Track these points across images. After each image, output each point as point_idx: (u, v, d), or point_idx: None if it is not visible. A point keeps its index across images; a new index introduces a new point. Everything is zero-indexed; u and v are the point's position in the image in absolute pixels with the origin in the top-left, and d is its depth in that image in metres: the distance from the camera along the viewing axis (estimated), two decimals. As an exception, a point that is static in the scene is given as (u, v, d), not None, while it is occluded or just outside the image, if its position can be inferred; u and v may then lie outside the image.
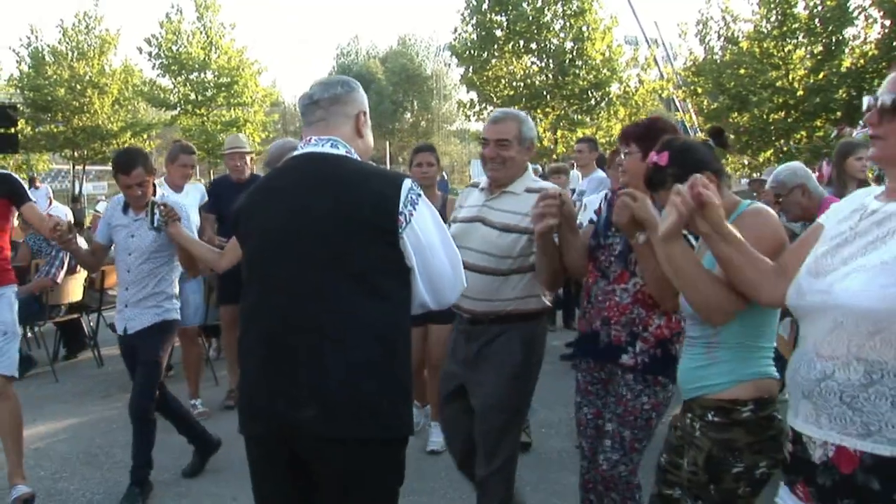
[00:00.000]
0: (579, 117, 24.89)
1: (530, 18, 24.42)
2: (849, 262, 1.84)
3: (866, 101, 1.94)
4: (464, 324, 3.64)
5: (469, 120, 28.25)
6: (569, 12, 24.40)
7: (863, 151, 5.30)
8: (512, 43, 25.03)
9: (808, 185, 4.78)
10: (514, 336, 3.54)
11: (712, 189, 2.15)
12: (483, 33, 25.20)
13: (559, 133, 24.79)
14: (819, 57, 19.43)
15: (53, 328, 8.17)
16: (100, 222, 4.95)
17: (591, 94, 24.77)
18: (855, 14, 18.84)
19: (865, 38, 19.16)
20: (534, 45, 25.24)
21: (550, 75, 25.06)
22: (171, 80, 29.03)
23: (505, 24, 24.92)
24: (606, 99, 24.79)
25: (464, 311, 3.59)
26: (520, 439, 3.88)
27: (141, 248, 4.60)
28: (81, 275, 7.84)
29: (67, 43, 27.40)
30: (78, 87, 26.64)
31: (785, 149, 20.23)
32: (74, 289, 7.83)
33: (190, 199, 6.33)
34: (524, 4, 24.59)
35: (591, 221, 3.51)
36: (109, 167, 30.99)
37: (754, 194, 7.96)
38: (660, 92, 25.44)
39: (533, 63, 25.78)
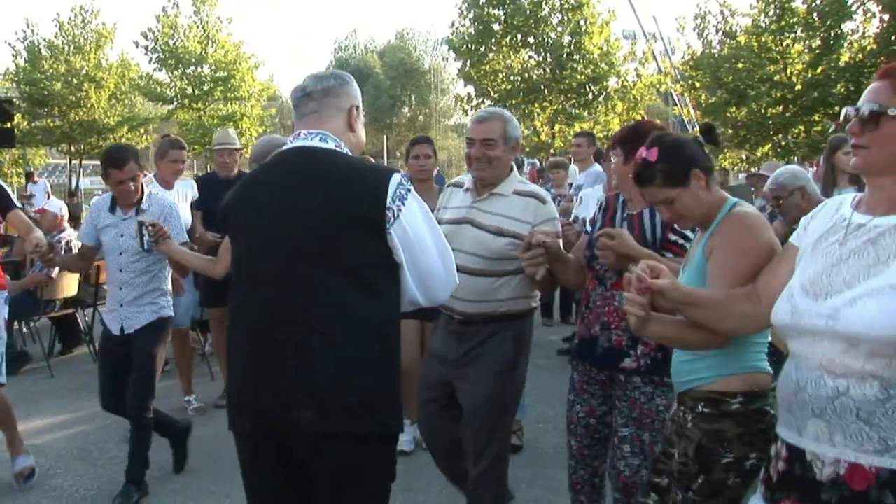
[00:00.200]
0: (577, 111, 24.90)
1: (528, 12, 24.41)
2: (852, 285, 1.83)
3: (845, 111, 1.95)
4: (454, 325, 3.62)
5: (466, 114, 28.17)
6: (566, 6, 24.39)
7: (850, 146, 5.28)
8: (509, 37, 25.04)
9: (808, 187, 4.78)
10: (507, 335, 3.57)
11: (659, 270, 2.17)
12: (481, 27, 25.19)
13: (557, 127, 24.79)
14: (817, 51, 19.43)
15: (48, 323, 8.12)
16: (84, 224, 4.83)
17: (588, 89, 24.76)
18: (853, 8, 18.86)
19: (864, 33, 19.18)
20: (531, 40, 25.23)
21: (548, 69, 25.04)
22: (168, 74, 29.04)
23: (502, 18, 24.91)
24: (604, 93, 24.80)
25: (456, 313, 3.58)
26: (510, 438, 3.88)
27: (132, 247, 4.48)
28: (76, 270, 7.80)
29: (63, 37, 27.43)
30: (74, 81, 26.66)
31: (783, 143, 20.25)
32: (69, 284, 7.78)
33: (181, 197, 6.30)
34: (522, -2, 24.55)
35: (585, 233, 3.54)
36: (105, 162, 31.07)
37: (752, 189, 7.94)
38: (658, 86, 25.44)
39: (531, 57, 25.77)
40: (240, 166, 6.53)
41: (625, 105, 24.63)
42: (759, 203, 6.15)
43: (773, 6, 20.03)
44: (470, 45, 25.42)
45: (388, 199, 2.30)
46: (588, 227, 3.49)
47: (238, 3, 38.37)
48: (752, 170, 17.57)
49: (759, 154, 20.98)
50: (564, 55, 24.58)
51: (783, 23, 19.88)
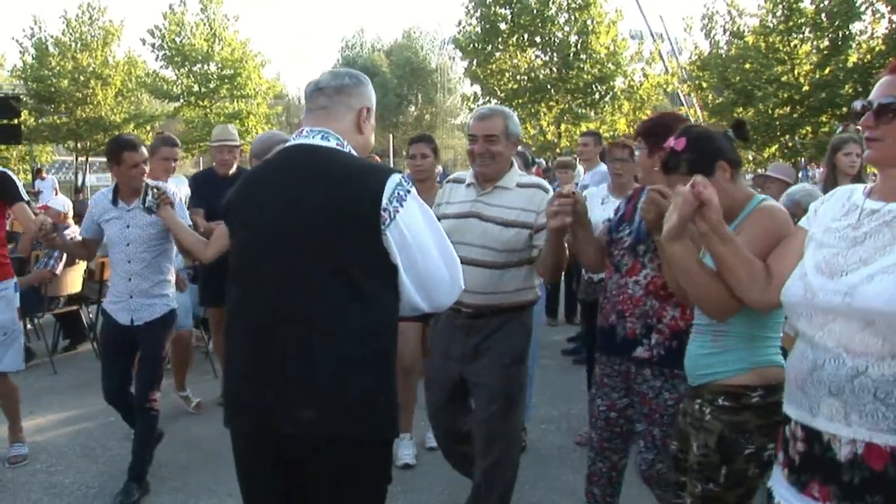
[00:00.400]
0: (583, 111, 24.82)
1: (535, 12, 24.33)
2: (869, 262, 1.86)
3: (856, 104, 2.00)
4: (462, 318, 3.69)
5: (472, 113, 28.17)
6: (573, 6, 24.31)
7: (851, 147, 5.37)
8: (516, 36, 24.95)
9: None
10: (515, 326, 3.70)
11: (712, 190, 2.20)
12: (487, 26, 25.11)
13: (563, 127, 24.73)
14: (825, 52, 19.33)
15: (52, 320, 8.12)
16: (84, 219, 4.84)
17: (595, 88, 24.67)
18: (862, 9, 18.74)
19: (872, 34, 19.06)
20: (538, 39, 25.14)
21: (555, 69, 24.96)
22: (175, 71, 29.05)
23: (509, 17, 24.82)
24: (611, 93, 24.69)
25: (465, 306, 3.62)
26: (519, 431, 3.95)
27: (141, 237, 4.54)
28: (81, 266, 7.80)
29: (71, 34, 27.48)
30: (81, 78, 26.71)
31: (790, 144, 20.18)
32: (74, 280, 7.79)
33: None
34: (529, -3, 24.50)
35: (607, 220, 3.58)
36: (112, 158, 31.12)
37: (758, 189, 7.90)
38: (664, 86, 25.38)
39: (537, 56, 25.69)
40: (239, 163, 6.37)
41: (631, 105, 24.55)
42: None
43: (780, 6, 19.94)
44: (476, 45, 25.35)
45: (385, 201, 2.26)
46: (610, 217, 3.53)
47: (245, 1, 38.39)
48: (759, 171, 17.52)
49: (765, 155, 20.90)
50: (571, 55, 24.49)
51: (791, 23, 19.78)
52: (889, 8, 17.47)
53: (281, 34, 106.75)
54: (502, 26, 25.02)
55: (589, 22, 24.15)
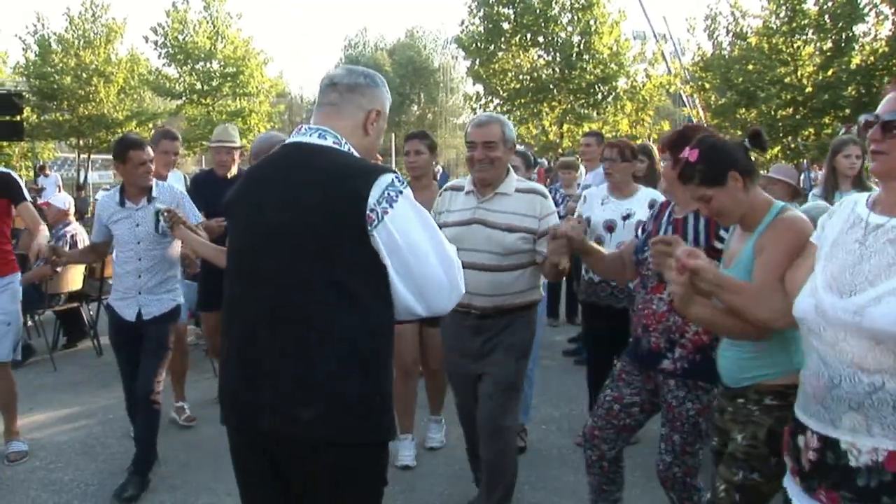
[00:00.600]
0: (586, 111, 24.80)
1: (538, 11, 24.29)
2: (875, 283, 1.95)
3: (863, 118, 2.10)
4: (471, 319, 3.85)
5: (475, 113, 28.07)
6: (576, 6, 24.27)
7: (850, 148, 5.42)
8: (519, 36, 24.92)
9: None
10: (521, 324, 3.89)
11: (694, 254, 2.43)
12: (490, 26, 25.07)
13: (565, 127, 24.70)
14: (828, 53, 19.30)
15: (53, 317, 8.12)
16: (94, 222, 4.93)
17: (598, 89, 24.63)
18: (865, 10, 18.70)
19: (876, 35, 19.01)
20: (541, 39, 25.11)
21: (557, 69, 24.91)
22: (177, 69, 29.00)
23: (512, 16, 24.79)
24: (613, 93, 24.66)
25: (474, 308, 3.80)
26: (517, 422, 4.10)
27: (150, 235, 4.64)
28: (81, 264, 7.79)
29: (73, 31, 27.45)
30: (84, 75, 26.69)
31: (793, 146, 20.15)
32: (74, 277, 7.78)
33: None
34: (532, -3, 24.48)
35: (636, 236, 3.81)
36: (114, 156, 31.12)
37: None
38: (667, 87, 25.32)
39: (540, 56, 25.66)
40: (240, 165, 6.28)
41: (634, 105, 24.53)
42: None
43: (784, 8, 19.91)
44: (479, 44, 25.32)
45: (372, 201, 2.22)
46: (638, 233, 3.68)
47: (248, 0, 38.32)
48: (762, 172, 17.49)
49: (768, 156, 20.87)
50: (574, 55, 24.45)
51: (794, 25, 19.75)
52: (893, 10, 17.43)
53: (284, 33, 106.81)
54: (505, 26, 24.99)
55: (592, 22, 24.12)
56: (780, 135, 20.37)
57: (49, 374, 7.18)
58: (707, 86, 22.41)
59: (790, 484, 2.18)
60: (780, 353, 2.56)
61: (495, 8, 24.84)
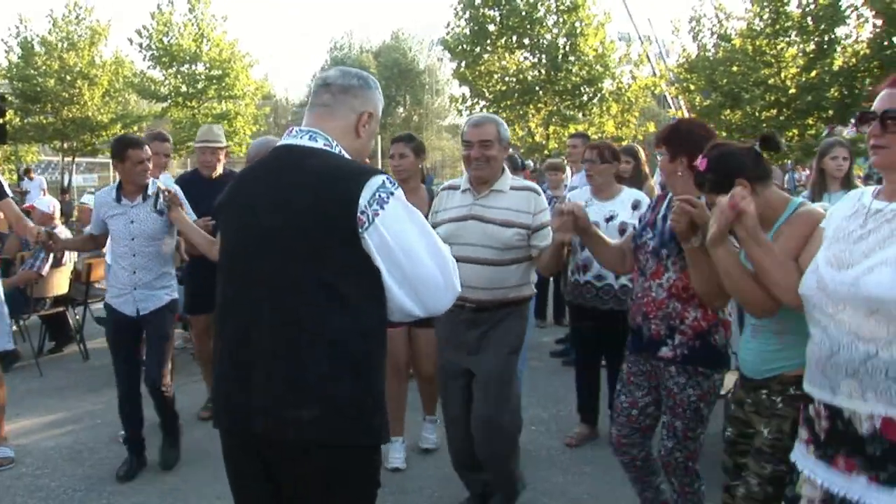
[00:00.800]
0: (571, 113, 24.79)
1: (523, 13, 24.32)
2: (870, 255, 2.10)
3: (859, 114, 2.22)
4: (467, 313, 3.93)
5: (461, 115, 28.06)
6: (562, 8, 24.30)
7: (837, 150, 5.56)
8: (505, 38, 24.93)
9: None
10: (515, 317, 4.02)
11: (749, 200, 2.52)
12: (476, 28, 25.07)
13: (551, 129, 24.71)
14: (811, 55, 19.43)
15: (38, 321, 8.06)
16: (92, 216, 5.10)
17: (583, 90, 24.65)
18: (847, 13, 18.84)
19: (857, 38, 19.16)
20: (527, 41, 25.11)
21: (543, 71, 24.94)
22: (162, 71, 28.89)
23: (498, 18, 24.79)
24: (599, 95, 24.67)
25: (469, 301, 3.87)
26: (517, 416, 4.17)
27: (145, 231, 4.78)
28: (67, 267, 7.75)
29: (57, 33, 27.30)
30: (68, 78, 26.55)
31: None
32: (60, 282, 7.73)
33: None
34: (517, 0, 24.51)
35: (632, 227, 3.97)
36: (99, 159, 31.01)
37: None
38: (652, 88, 25.40)
39: (525, 58, 25.67)
40: (225, 165, 6.23)
41: (619, 107, 24.55)
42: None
43: (767, 10, 20.02)
44: (465, 46, 25.31)
45: (362, 203, 2.22)
46: (637, 224, 3.77)
47: (233, 2, 38.28)
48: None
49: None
50: (559, 57, 24.48)
51: (777, 27, 19.87)
52: (873, 12, 17.56)
53: (269, 35, 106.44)
54: (491, 28, 24.99)
55: (577, 24, 24.15)
56: (765, 136, 20.48)
57: (35, 380, 7.13)
58: (692, 87, 22.49)
59: (801, 456, 2.28)
60: (801, 346, 2.57)
61: (481, 10, 24.83)
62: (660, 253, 3.39)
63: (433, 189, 5.18)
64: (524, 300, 4.07)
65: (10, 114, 21.16)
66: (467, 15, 25.10)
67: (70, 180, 29.21)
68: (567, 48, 24.44)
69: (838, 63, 19.00)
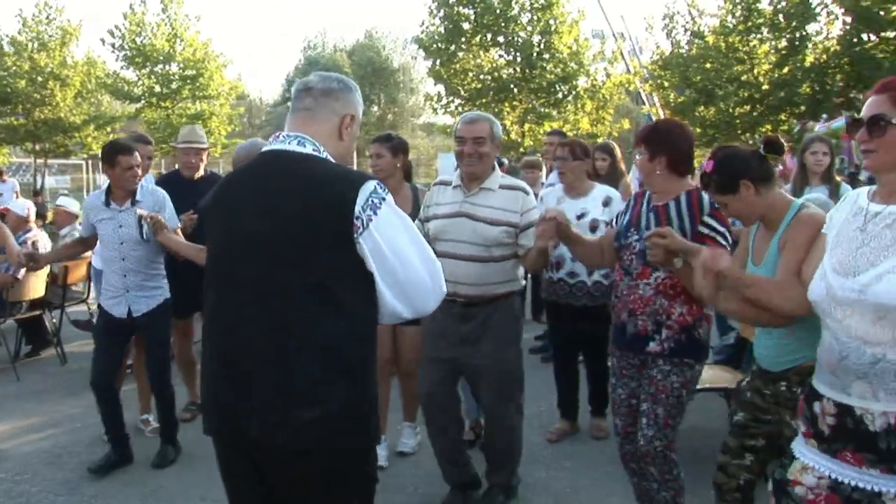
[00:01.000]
0: (547, 111, 24.94)
1: (498, 12, 24.42)
2: (876, 264, 2.19)
3: (846, 118, 2.31)
4: (458, 307, 4.05)
5: (436, 113, 28.15)
6: (536, 6, 24.43)
7: (817, 146, 5.66)
8: (479, 36, 25.03)
9: None
10: (508, 311, 4.15)
11: (721, 258, 2.72)
12: (450, 26, 25.14)
13: (527, 126, 24.82)
14: (783, 52, 19.67)
15: (14, 325, 7.97)
16: (83, 220, 5.19)
17: (558, 88, 24.82)
18: (817, 10, 19.06)
19: (828, 35, 19.41)
20: (501, 39, 25.25)
21: (518, 68, 25.06)
22: (136, 72, 28.72)
23: (472, 17, 24.88)
24: (574, 92, 24.85)
25: (460, 297, 4.00)
26: (523, 409, 4.32)
27: (134, 236, 4.83)
28: (44, 271, 7.66)
29: (27, 33, 27.05)
30: (39, 78, 26.29)
31: (750, 142, 20.46)
32: (36, 285, 7.65)
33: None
34: (491, -3, 24.56)
35: (610, 225, 4.04)
36: (72, 161, 30.71)
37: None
38: (627, 85, 25.57)
39: (500, 56, 25.79)
40: (207, 166, 6.20)
41: (594, 104, 24.72)
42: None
43: (739, 7, 20.24)
44: (440, 44, 25.37)
45: (357, 209, 2.24)
46: (614, 223, 3.85)
47: (206, 1, 38.04)
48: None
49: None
50: (534, 54, 24.61)
51: (750, 24, 20.10)
52: (843, 10, 17.78)
53: (242, 35, 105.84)
54: (465, 26, 25.07)
55: (552, 22, 24.30)
56: (738, 131, 20.71)
57: (12, 384, 7.07)
58: (666, 84, 22.70)
59: (801, 447, 2.39)
60: (813, 337, 2.68)
61: (455, 8, 24.90)
62: (646, 255, 3.40)
63: (417, 187, 5.20)
64: (511, 294, 4.18)
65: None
66: (442, 13, 25.17)
67: (42, 182, 28.89)
68: (541, 46, 24.59)
69: (810, 59, 19.25)
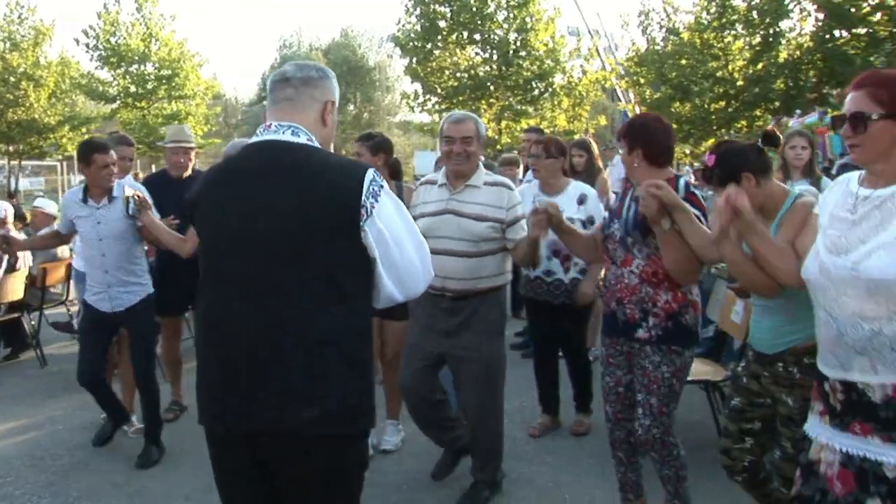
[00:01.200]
0: (523, 108, 25.04)
1: (474, 10, 24.47)
2: (866, 241, 2.32)
3: (819, 113, 2.44)
4: (446, 301, 4.16)
5: (413, 111, 28.19)
6: (512, 3, 24.51)
7: (796, 140, 5.81)
8: (456, 34, 25.07)
9: None
10: (494, 304, 4.26)
11: (743, 197, 2.77)
12: (427, 24, 25.16)
13: (503, 124, 24.89)
14: (757, 48, 19.83)
15: (-8, 328, 7.93)
16: (62, 216, 5.25)
17: (534, 85, 24.92)
18: (790, 7, 19.24)
19: (801, 31, 19.61)
20: (477, 36, 25.30)
21: (494, 66, 25.13)
22: (111, 72, 28.50)
23: (449, 15, 24.92)
24: (550, 89, 24.95)
25: (448, 291, 4.12)
26: (503, 400, 4.41)
27: (113, 232, 4.88)
28: (22, 273, 7.64)
29: (-1, 33, 26.67)
30: (11, 79, 25.96)
31: (726, 137, 20.61)
32: (14, 287, 7.61)
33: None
34: (468, -5, 24.59)
35: (587, 222, 4.27)
36: (46, 162, 30.43)
37: (704, 184, 8.08)
38: (603, 82, 25.69)
39: (477, 54, 25.84)
40: (195, 165, 6.18)
41: (570, 101, 24.84)
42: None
43: (714, 3, 20.39)
44: (416, 43, 25.39)
45: (363, 197, 2.28)
46: (605, 215, 3.98)
47: (181, 1, 37.83)
48: (696, 164, 17.89)
49: (702, 148, 21.34)
50: (510, 52, 24.70)
51: (724, 20, 20.25)
52: (815, 6, 17.96)
53: (218, 34, 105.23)
54: (442, 24, 25.10)
55: (528, 19, 24.39)
56: (714, 127, 20.88)
57: (-9, 387, 7.02)
58: (642, 80, 22.81)
59: (817, 426, 2.49)
60: (809, 318, 2.82)
61: (432, 6, 24.92)
62: (626, 242, 3.63)
63: (402, 185, 5.27)
64: (499, 288, 4.28)
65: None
66: (418, 11, 25.20)
67: (17, 184, 28.61)
68: (518, 43, 24.69)
69: (783, 55, 19.42)
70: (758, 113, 20.10)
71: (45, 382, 7.13)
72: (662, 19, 21.97)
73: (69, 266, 7.54)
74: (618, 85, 26.31)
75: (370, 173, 2.33)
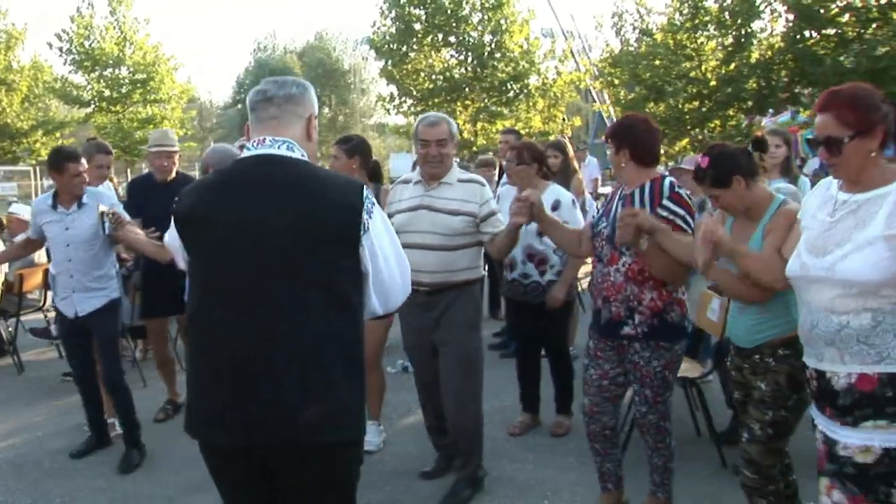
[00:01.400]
0: (499, 109, 25.13)
1: (449, 12, 24.52)
2: (842, 244, 2.53)
3: (791, 112, 2.55)
4: (421, 296, 4.20)
5: (388, 114, 28.16)
6: (487, 5, 24.60)
7: (770, 139, 5.71)
8: (431, 36, 25.12)
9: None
10: (469, 298, 4.35)
11: (717, 230, 3.14)
12: (402, 27, 25.19)
13: (479, 125, 24.97)
14: (730, 49, 19.99)
15: (-31, 335, 7.87)
16: (31, 222, 5.28)
17: (510, 87, 25.02)
18: (761, 8, 19.43)
19: (772, 32, 19.79)
20: (453, 39, 25.37)
21: (469, 68, 25.22)
22: (85, 76, 28.26)
23: (424, 17, 24.95)
24: (525, 91, 25.05)
25: (423, 285, 4.15)
26: (481, 394, 4.47)
27: (80, 237, 4.92)
28: (-3, 279, 7.60)
29: (-30, 38, 26.35)
30: (-17, 84, 25.67)
31: (700, 137, 20.81)
32: (-9, 294, 7.58)
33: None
34: (443, -3, 24.64)
35: (592, 217, 4.37)
36: (19, 167, 30.10)
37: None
38: (577, 83, 25.83)
39: (452, 56, 25.92)
40: (178, 169, 6.18)
41: (546, 102, 24.95)
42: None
43: (686, 5, 20.53)
44: (391, 45, 25.40)
45: (364, 213, 2.33)
46: (594, 214, 4.04)
47: (155, 4, 37.50)
48: (671, 164, 18.03)
49: (677, 148, 21.52)
50: (486, 54, 24.79)
51: (697, 21, 20.39)
52: (786, 8, 18.15)
53: (192, 37, 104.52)
54: (417, 26, 25.14)
55: (502, 21, 24.49)
56: (688, 127, 21.04)
57: (-31, 394, 6.97)
58: (616, 81, 22.93)
59: (812, 410, 2.75)
60: (784, 313, 3.18)
61: (407, 9, 24.94)
62: (613, 240, 3.70)
63: (380, 186, 5.34)
64: (472, 282, 4.39)
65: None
66: (393, 14, 25.19)
67: (-12, 190, 28.28)
68: (493, 45, 24.79)
69: (755, 56, 19.58)
70: (731, 113, 20.28)
71: (23, 389, 7.09)
72: (636, 20, 22.08)
73: (46, 272, 7.48)
74: (592, 86, 26.47)
75: (365, 189, 2.38)
